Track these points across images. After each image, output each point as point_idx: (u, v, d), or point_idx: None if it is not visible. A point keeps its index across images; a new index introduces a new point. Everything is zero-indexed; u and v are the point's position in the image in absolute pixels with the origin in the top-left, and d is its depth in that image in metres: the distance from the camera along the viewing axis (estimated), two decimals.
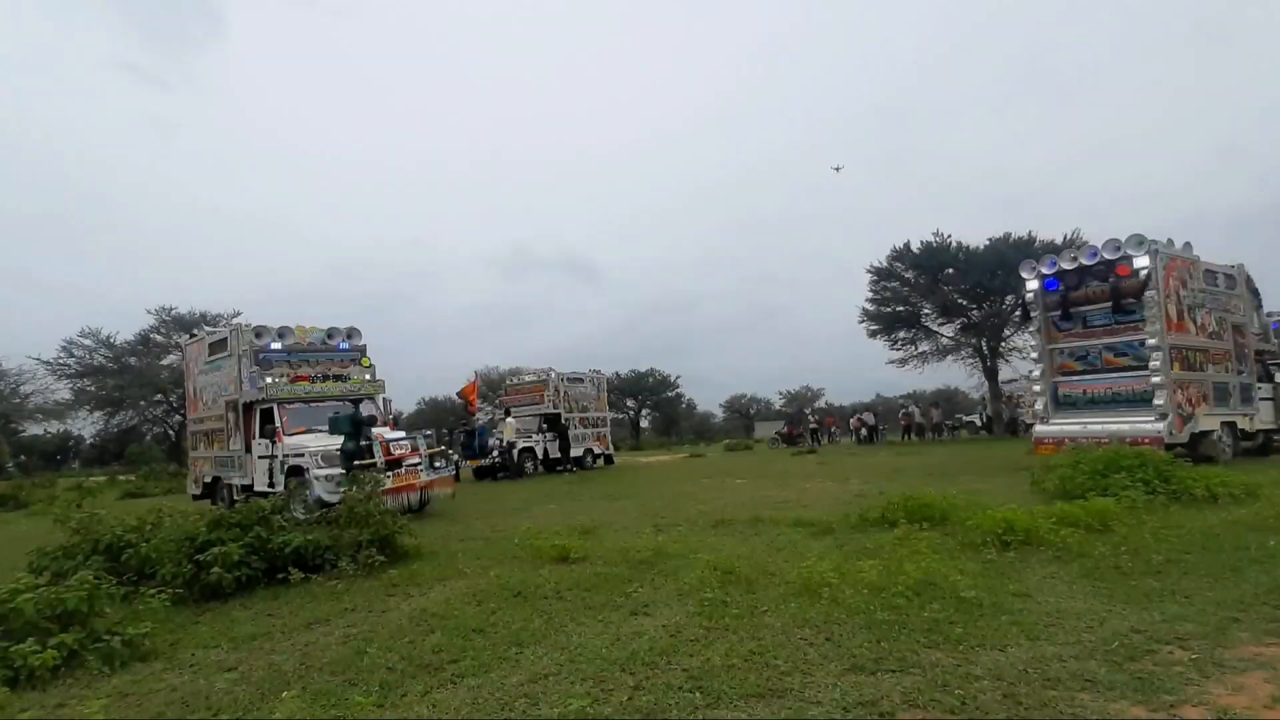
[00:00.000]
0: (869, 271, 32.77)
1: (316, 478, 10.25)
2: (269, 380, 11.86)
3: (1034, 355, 13.63)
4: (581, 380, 22.88)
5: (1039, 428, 13.18)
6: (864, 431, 32.80)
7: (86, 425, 39.66)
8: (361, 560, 6.17)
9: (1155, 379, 11.71)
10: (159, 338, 36.92)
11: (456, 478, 13.64)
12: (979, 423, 34.59)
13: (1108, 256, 12.29)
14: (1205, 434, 12.11)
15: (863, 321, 33.51)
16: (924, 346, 34.17)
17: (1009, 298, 31.25)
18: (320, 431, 11.36)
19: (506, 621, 4.36)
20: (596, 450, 22.25)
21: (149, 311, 36.49)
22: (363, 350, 13.37)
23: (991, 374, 32.44)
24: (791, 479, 13.98)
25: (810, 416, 37.78)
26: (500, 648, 3.87)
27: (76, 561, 5.80)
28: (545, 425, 20.99)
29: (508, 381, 27.77)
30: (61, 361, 34.51)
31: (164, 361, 37.44)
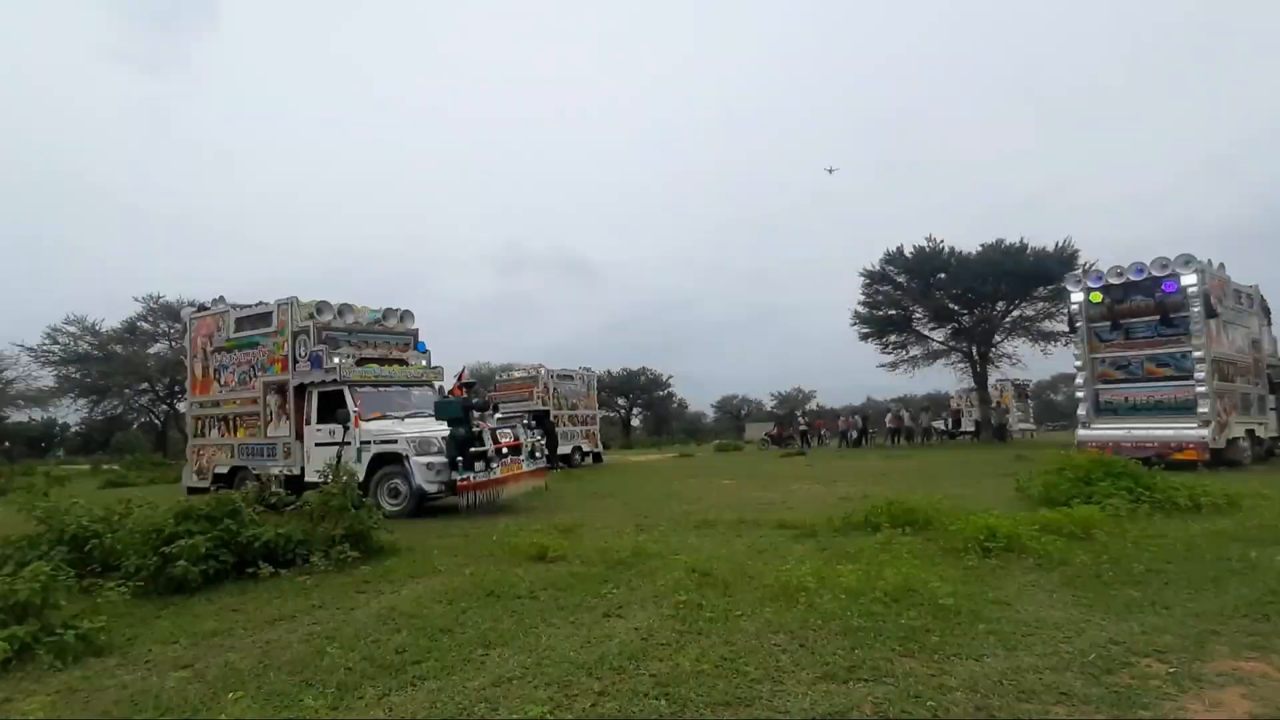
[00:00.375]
0: (861, 275, 32.83)
1: (418, 466, 9.67)
2: (337, 361, 10.73)
3: (1077, 364, 14.43)
4: (571, 377, 22.76)
5: (1082, 432, 13.97)
6: (853, 434, 32.83)
7: (70, 413, 39.25)
8: (334, 556, 6.04)
9: (1200, 389, 12.62)
10: (146, 326, 36.56)
11: (551, 468, 13.10)
12: (943, 426, 34.62)
13: (1155, 274, 13.11)
14: (1233, 440, 13.12)
15: (854, 324, 33.56)
16: (914, 350, 34.25)
17: (999, 304, 31.40)
18: (395, 417, 10.64)
19: (476, 622, 4.26)
20: (585, 448, 22.13)
21: (136, 299, 36.12)
22: (415, 334, 12.54)
23: (981, 379, 32.56)
24: (778, 480, 13.92)
25: (800, 418, 37.77)
26: (466, 649, 3.76)
27: (40, 551, 5.66)
28: (534, 422, 20.86)
29: (498, 377, 27.62)
30: (46, 348, 34.10)
31: (151, 350, 37.09)
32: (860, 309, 33.26)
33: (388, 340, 12.07)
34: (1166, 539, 5.90)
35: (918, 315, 33.11)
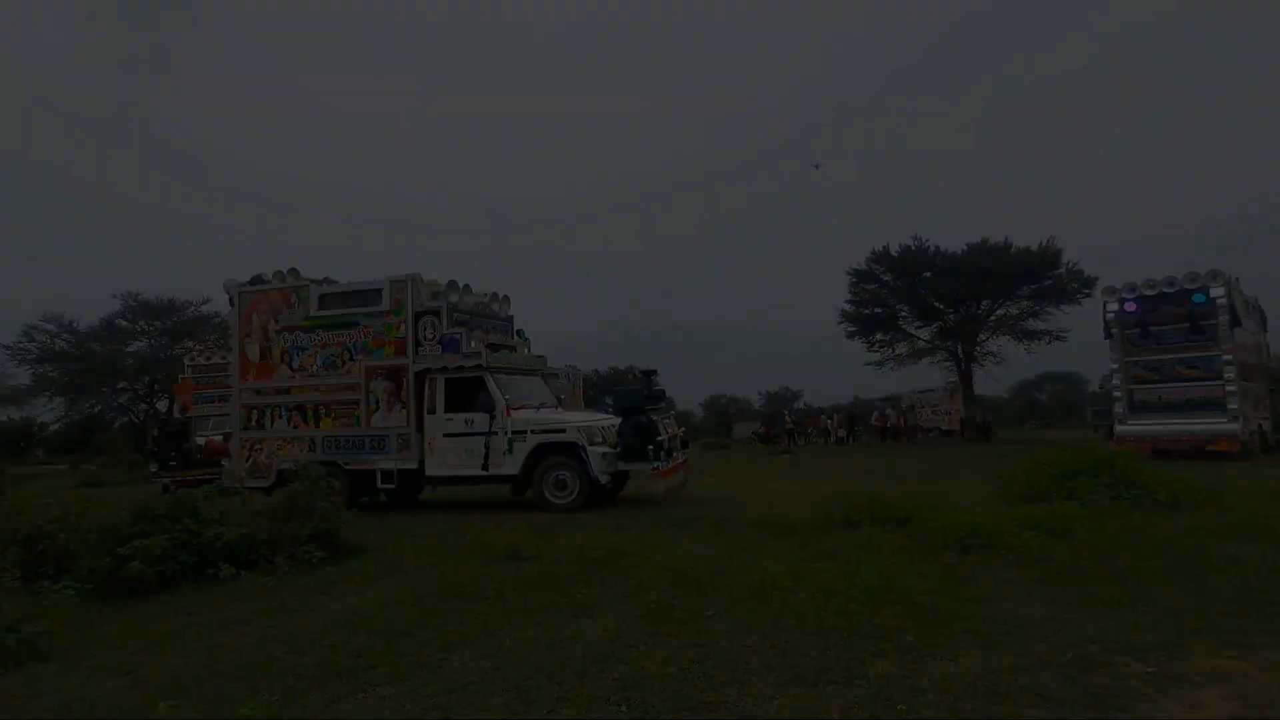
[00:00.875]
0: (848, 274, 32.85)
1: (594, 456, 9.27)
2: (474, 345, 9.99)
3: (1114, 366, 15.81)
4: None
5: (1120, 427, 15.28)
6: (840, 433, 32.86)
7: (47, 412, 38.58)
8: (300, 556, 5.87)
9: (1230, 388, 14.15)
10: (124, 324, 36.00)
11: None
12: (928, 425, 34.75)
13: (1186, 286, 14.62)
14: (1251, 434, 14.63)
15: (841, 323, 33.60)
16: (901, 349, 34.33)
17: (984, 302, 31.54)
18: (530, 406, 10.11)
19: (438, 624, 4.11)
20: None
21: (115, 296, 35.57)
22: (513, 320, 11.88)
23: (966, 378, 32.67)
24: (763, 479, 13.85)
25: (788, 417, 37.78)
26: (425, 652, 3.61)
27: None
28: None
29: None
30: (21, 346, 33.49)
31: (130, 348, 36.54)
32: (847, 307, 33.31)
33: (495, 326, 11.34)
34: (1147, 534, 5.84)
35: (904, 314, 33.20)
